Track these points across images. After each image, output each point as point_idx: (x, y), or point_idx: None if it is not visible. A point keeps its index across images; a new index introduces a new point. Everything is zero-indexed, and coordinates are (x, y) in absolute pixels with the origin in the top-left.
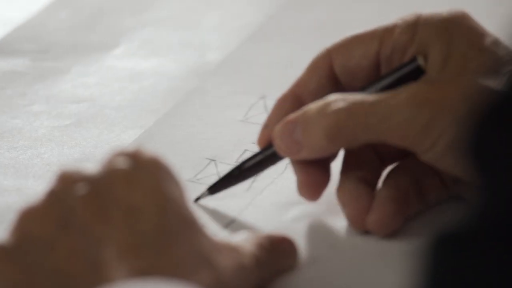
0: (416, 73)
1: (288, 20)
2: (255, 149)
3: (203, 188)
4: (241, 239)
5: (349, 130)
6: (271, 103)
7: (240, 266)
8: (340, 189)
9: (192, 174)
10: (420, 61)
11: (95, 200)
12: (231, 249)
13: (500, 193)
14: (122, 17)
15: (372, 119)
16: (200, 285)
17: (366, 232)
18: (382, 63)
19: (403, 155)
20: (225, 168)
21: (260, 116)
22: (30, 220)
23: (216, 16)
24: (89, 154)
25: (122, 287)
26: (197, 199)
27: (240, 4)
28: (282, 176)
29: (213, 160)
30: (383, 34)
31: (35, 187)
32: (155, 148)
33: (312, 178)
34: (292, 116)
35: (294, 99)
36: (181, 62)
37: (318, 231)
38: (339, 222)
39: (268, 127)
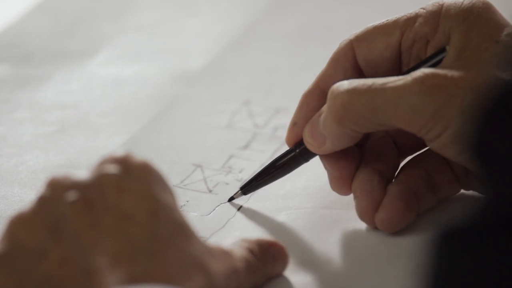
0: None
1: (269, 25)
2: (241, 154)
3: (190, 194)
4: (231, 244)
5: (356, 110)
6: (256, 108)
7: (232, 270)
8: (355, 180)
9: (179, 180)
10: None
11: (85, 206)
12: (223, 253)
13: (505, 188)
14: (102, 23)
15: (379, 101)
16: None
17: (375, 228)
18: (403, 53)
19: (421, 147)
20: (211, 174)
21: (245, 122)
22: (20, 227)
23: (197, 22)
24: (75, 161)
25: None
26: (231, 199)
27: (221, 10)
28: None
29: (199, 166)
30: (405, 24)
31: (21, 195)
32: (141, 154)
33: (343, 171)
34: (320, 111)
35: (319, 94)
36: (163, 68)
37: (307, 236)
38: (327, 228)
39: (296, 124)
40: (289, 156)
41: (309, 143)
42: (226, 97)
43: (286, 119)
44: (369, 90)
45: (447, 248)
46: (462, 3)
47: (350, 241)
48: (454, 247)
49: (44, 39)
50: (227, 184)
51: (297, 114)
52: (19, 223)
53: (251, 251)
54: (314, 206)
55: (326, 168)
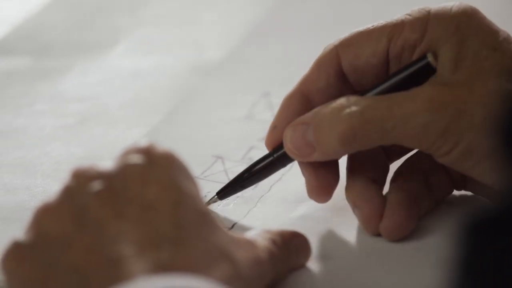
0: (426, 71)
1: (286, 16)
2: (261, 146)
3: (211, 185)
4: (254, 235)
5: (365, 135)
6: (275, 100)
7: (256, 260)
8: (350, 190)
9: (200, 171)
10: (431, 59)
11: (110, 196)
12: (247, 243)
13: None
14: (120, 15)
15: (388, 124)
16: (219, 278)
17: (378, 235)
18: (391, 61)
19: (409, 149)
20: (231, 165)
21: (264, 113)
22: (46, 217)
23: (215, 14)
24: (95, 152)
25: (142, 283)
26: (208, 202)
27: (238, 1)
28: (289, 172)
29: (219, 157)
30: (391, 31)
31: (44, 186)
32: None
33: (322, 180)
34: (303, 118)
35: (301, 98)
36: (181, 60)
37: (327, 228)
38: (348, 220)
39: (276, 127)
40: (266, 162)
41: (293, 152)
42: (244, 88)
43: None
44: (377, 113)
45: (473, 240)
46: (451, 9)
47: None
48: (480, 238)
49: (62, 31)
50: None
51: (277, 118)
52: (44, 213)
53: (274, 242)
54: (334, 197)
55: (304, 174)
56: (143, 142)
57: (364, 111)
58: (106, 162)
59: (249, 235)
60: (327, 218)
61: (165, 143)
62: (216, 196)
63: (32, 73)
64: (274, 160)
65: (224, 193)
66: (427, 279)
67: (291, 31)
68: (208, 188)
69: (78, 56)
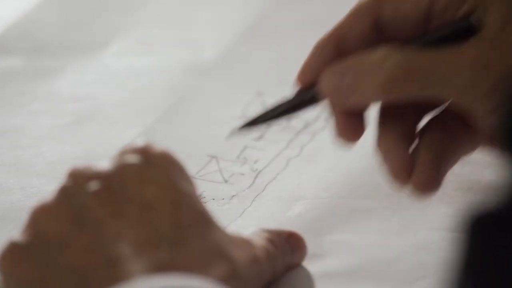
0: (468, 32)
1: (281, 15)
2: (256, 145)
3: (206, 184)
4: (250, 234)
5: (406, 85)
6: (269, 99)
7: (253, 259)
8: (380, 145)
9: (194, 170)
10: (474, 20)
11: (108, 196)
12: (244, 242)
13: None
14: (114, 15)
15: (432, 77)
16: (217, 277)
17: (406, 191)
18: (432, 18)
19: (441, 105)
20: (226, 165)
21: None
22: (44, 217)
23: (209, 13)
24: (92, 152)
25: (141, 283)
26: (230, 135)
27: (234, 1)
28: (284, 172)
29: (214, 157)
30: None
31: (39, 186)
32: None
33: (352, 122)
34: (344, 63)
35: (335, 42)
36: (176, 59)
37: (323, 226)
38: (344, 219)
39: (305, 72)
40: (294, 101)
41: (328, 95)
42: (239, 88)
43: None
44: (422, 65)
45: (480, 232)
46: None
47: (367, 230)
48: (488, 230)
49: (56, 30)
50: (242, 174)
51: (309, 59)
52: (41, 213)
53: (270, 241)
54: (330, 195)
55: (334, 116)
56: (140, 142)
57: (410, 61)
58: (103, 162)
59: (246, 234)
60: (323, 217)
61: (160, 143)
62: (240, 128)
63: (27, 72)
64: (303, 100)
65: (247, 126)
66: (426, 275)
67: (286, 31)
68: (203, 187)
69: (73, 56)
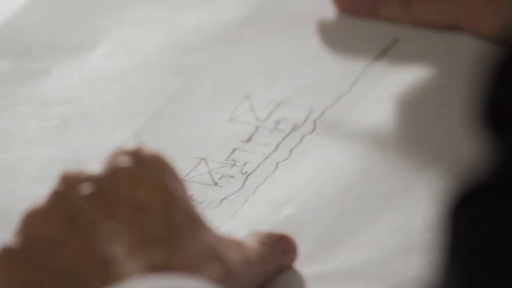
0: None
1: (268, 20)
2: (244, 147)
3: (196, 186)
4: (242, 236)
5: None
6: (256, 102)
7: (246, 261)
8: None
9: (184, 173)
10: None
11: (101, 198)
12: (236, 244)
13: None
14: (98, 17)
15: None
16: (210, 279)
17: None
18: None
19: None
20: (215, 167)
21: (246, 116)
22: (36, 220)
23: (194, 16)
24: (80, 155)
25: (135, 284)
26: None
27: (220, 4)
28: (274, 174)
29: (203, 159)
30: None
31: (28, 189)
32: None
33: None
34: None
35: None
36: (162, 62)
37: (314, 228)
38: (335, 218)
39: None
40: None
41: None
42: (226, 91)
43: (287, 113)
44: None
45: (463, 212)
46: None
47: (358, 231)
48: (470, 210)
49: (42, 33)
50: (232, 177)
51: None
52: (34, 217)
53: (262, 243)
54: (320, 197)
55: None
56: (131, 144)
57: None
58: (95, 165)
59: (237, 236)
60: (313, 219)
61: (149, 145)
62: None
63: (13, 75)
64: None
65: None
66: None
67: (269, 35)
68: (192, 190)
69: (59, 58)
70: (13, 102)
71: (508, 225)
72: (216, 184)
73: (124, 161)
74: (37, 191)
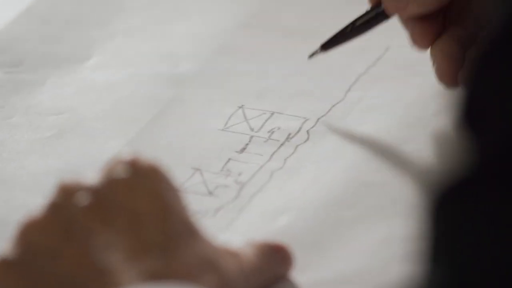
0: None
1: (261, 29)
2: (239, 157)
3: (191, 197)
4: (239, 246)
5: None
6: (249, 112)
7: (242, 270)
8: (436, 44)
9: (178, 183)
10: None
11: (98, 209)
12: (232, 254)
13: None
14: (90, 28)
15: None
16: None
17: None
18: None
19: None
20: (210, 177)
21: (241, 125)
22: (33, 231)
23: (186, 26)
24: (74, 165)
25: None
26: (311, 55)
27: (212, 14)
28: (268, 184)
29: (198, 169)
30: None
31: (23, 199)
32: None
33: (425, 25)
34: None
35: None
36: (154, 72)
37: (309, 237)
38: (331, 227)
39: None
40: (370, 15)
41: (389, 5)
42: (219, 100)
43: (281, 122)
44: None
45: (444, 210)
46: None
47: (353, 240)
48: (451, 207)
49: (33, 44)
50: (227, 186)
51: None
52: (31, 227)
53: (257, 252)
54: (315, 206)
55: (406, 25)
56: (127, 155)
57: None
58: (91, 175)
59: (233, 246)
60: (308, 228)
61: (143, 155)
62: (319, 49)
63: (5, 86)
64: (374, 16)
65: (328, 45)
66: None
67: (262, 44)
68: (187, 199)
69: (52, 69)
70: (7, 113)
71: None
72: (211, 194)
73: (121, 171)
74: (32, 201)
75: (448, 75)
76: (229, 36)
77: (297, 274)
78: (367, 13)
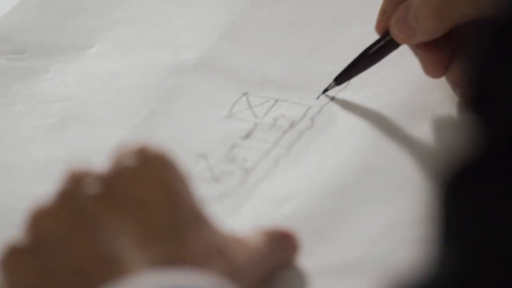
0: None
1: (263, 16)
2: (244, 144)
3: (196, 184)
4: (245, 233)
5: (455, 7)
6: (253, 99)
7: (249, 257)
8: (451, 68)
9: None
10: None
11: (107, 197)
12: (239, 242)
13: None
14: (92, 16)
15: None
16: (214, 275)
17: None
18: None
19: None
20: (215, 164)
21: (245, 112)
22: (44, 219)
23: (187, 14)
24: (78, 153)
25: (141, 279)
26: (325, 90)
27: (211, 2)
28: (274, 171)
29: (203, 156)
30: None
31: (27, 187)
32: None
33: (436, 54)
34: (406, 2)
35: None
36: (156, 60)
37: (315, 224)
38: (335, 214)
39: (385, 12)
40: (379, 45)
41: (397, 36)
42: (223, 88)
43: (285, 110)
44: None
45: (455, 191)
46: None
47: (358, 227)
48: (462, 188)
49: (36, 32)
50: (232, 173)
51: (386, 2)
52: (41, 216)
53: (264, 239)
54: (320, 193)
55: (416, 53)
56: (135, 142)
57: None
58: (100, 163)
59: (240, 233)
60: (314, 215)
61: (151, 142)
62: (333, 82)
63: (9, 74)
64: (386, 44)
65: (341, 78)
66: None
67: (267, 31)
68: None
69: (54, 57)
70: (10, 101)
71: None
72: (216, 180)
73: (130, 160)
74: (37, 189)
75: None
76: (231, 24)
77: (303, 260)
78: (377, 42)
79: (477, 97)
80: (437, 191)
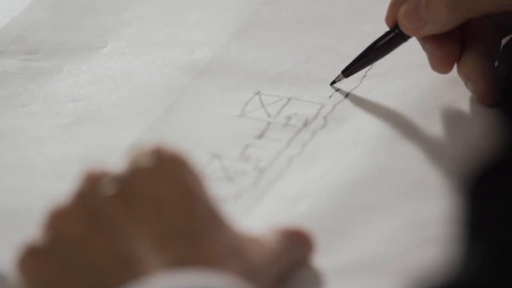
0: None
1: (275, 14)
2: (257, 144)
3: (210, 183)
4: (261, 232)
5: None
6: (265, 98)
7: (265, 257)
8: (462, 64)
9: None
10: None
11: (124, 198)
12: (255, 242)
13: None
14: (104, 16)
15: None
16: (231, 275)
17: (493, 105)
18: None
19: None
20: (229, 164)
21: (258, 111)
22: (61, 220)
23: (200, 13)
24: (93, 152)
25: (158, 280)
26: (333, 82)
27: (223, 0)
28: (288, 170)
29: (217, 156)
30: None
31: (43, 186)
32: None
33: (444, 50)
34: None
35: None
36: (170, 60)
37: (330, 222)
38: (351, 212)
39: (395, 5)
40: (388, 37)
41: (405, 27)
42: (235, 87)
43: (297, 109)
44: None
45: (481, 190)
46: None
47: (373, 225)
48: (488, 187)
49: (49, 32)
50: (246, 173)
51: (390, 5)
52: (59, 216)
53: (279, 238)
54: (335, 192)
55: (424, 48)
56: (151, 142)
57: None
58: (116, 163)
59: (255, 233)
60: (329, 214)
61: (166, 143)
62: (341, 75)
63: (23, 74)
64: (395, 36)
65: (349, 71)
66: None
67: (275, 31)
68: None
69: (68, 57)
70: (25, 101)
71: None
72: (231, 180)
73: (145, 160)
74: (52, 188)
75: (488, 93)
76: (243, 23)
77: (319, 259)
78: (385, 35)
79: (504, 93)
80: (461, 190)
